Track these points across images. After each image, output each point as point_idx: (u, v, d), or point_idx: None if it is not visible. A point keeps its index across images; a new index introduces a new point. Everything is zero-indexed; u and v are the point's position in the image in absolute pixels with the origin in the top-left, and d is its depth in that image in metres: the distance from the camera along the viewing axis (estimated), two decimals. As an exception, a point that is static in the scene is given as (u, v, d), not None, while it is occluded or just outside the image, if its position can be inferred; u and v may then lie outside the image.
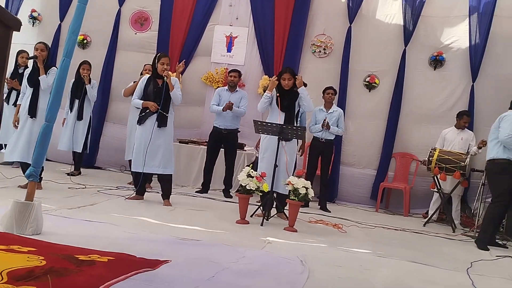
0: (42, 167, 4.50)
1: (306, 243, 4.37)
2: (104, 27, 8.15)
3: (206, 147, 6.87)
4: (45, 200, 4.33)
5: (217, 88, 7.22)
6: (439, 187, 6.30)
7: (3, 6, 7.73)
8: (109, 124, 8.18)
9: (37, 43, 5.58)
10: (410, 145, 7.31)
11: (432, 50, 7.22)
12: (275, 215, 5.41)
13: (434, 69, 7.23)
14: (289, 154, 5.32)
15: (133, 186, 5.73)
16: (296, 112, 5.47)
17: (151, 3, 8.15)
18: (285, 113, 5.38)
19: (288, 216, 5.02)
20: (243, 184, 4.91)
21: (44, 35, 8.06)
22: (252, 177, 4.93)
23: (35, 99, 5.40)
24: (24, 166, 5.24)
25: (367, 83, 7.41)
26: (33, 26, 8.45)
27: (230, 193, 6.59)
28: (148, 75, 5.69)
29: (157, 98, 5.36)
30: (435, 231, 5.90)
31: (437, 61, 7.18)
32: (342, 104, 7.23)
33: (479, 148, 6.28)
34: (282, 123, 5.26)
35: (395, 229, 5.72)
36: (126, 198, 5.48)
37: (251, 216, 5.20)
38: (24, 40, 7.49)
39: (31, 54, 5.69)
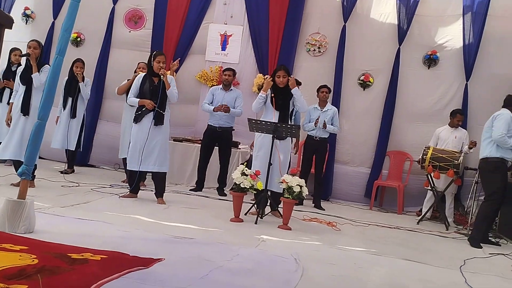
0: (35, 165, 4.49)
1: (300, 241, 4.37)
2: (98, 25, 8.10)
3: (200, 145, 6.86)
4: (38, 198, 4.30)
5: (211, 86, 7.22)
6: (432, 185, 6.33)
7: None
8: (102, 122, 8.15)
9: (30, 40, 5.54)
10: (404, 143, 7.33)
11: (426, 49, 7.23)
12: (269, 213, 5.42)
13: (428, 68, 7.25)
14: (283, 153, 5.32)
15: (127, 184, 5.70)
16: (290, 111, 5.47)
17: (145, 1, 8.11)
18: (280, 112, 5.38)
19: (282, 214, 5.03)
20: (237, 182, 4.91)
21: (37, 33, 8.01)
22: (246, 175, 4.93)
23: (28, 97, 5.37)
24: (16, 164, 5.22)
25: (362, 82, 7.41)
26: (26, 24, 8.38)
27: (224, 191, 6.58)
28: (143, 73, 5.66)
29: (154, 96, 5.33)
30: (428, 229, 5.93)
31: (431, 60, 7.20)
32: (336, 103, 7.23)
33: (470, 148, 6.33)
34: (277, 121, 5.26)
35: (389, 227, 5.74)
36: (120, 196, 5.46)
37: (245, 214, 5.20)
38: (17, 38, 7.48)
39: (24, 52, 5.66)
